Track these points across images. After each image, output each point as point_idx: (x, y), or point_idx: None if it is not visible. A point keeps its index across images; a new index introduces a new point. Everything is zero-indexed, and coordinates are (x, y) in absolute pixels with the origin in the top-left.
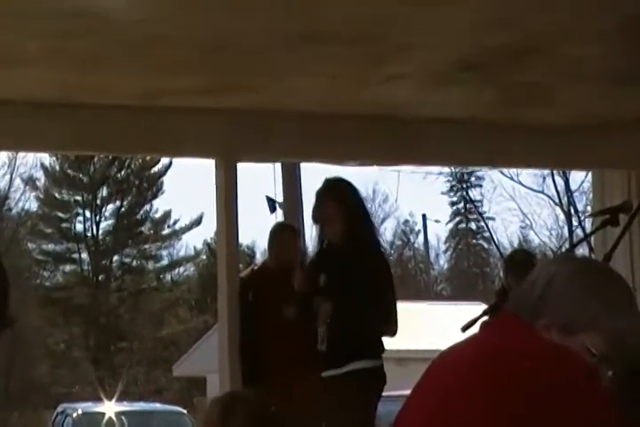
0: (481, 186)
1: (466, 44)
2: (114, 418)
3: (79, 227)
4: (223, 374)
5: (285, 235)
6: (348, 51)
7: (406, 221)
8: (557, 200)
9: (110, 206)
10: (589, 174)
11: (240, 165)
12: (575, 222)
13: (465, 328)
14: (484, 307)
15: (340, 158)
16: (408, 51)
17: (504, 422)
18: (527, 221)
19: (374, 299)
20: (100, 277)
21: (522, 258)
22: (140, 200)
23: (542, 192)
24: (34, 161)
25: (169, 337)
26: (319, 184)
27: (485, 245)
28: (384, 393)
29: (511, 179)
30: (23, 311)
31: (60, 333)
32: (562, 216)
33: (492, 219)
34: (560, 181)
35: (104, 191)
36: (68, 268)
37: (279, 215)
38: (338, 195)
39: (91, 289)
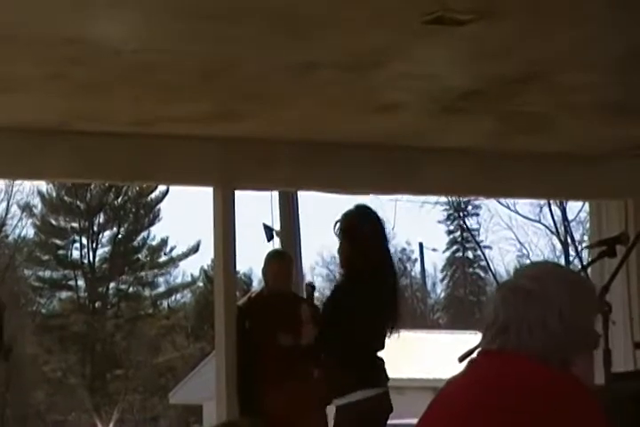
0: (478, 215)
1: (464, 74)
2: None
3: (76, 254)
4: (220, 401)
5: (279, 262)
6: (348, 79)
7: (403, 250)
8: (554, 230)
9: (107, 233)
10: (586, 204)
11: (237, 193)
12: (572, 252)
13: (462, 358)
14: (480, 336)
15: (337, 187)
16: (407, 80)
17: None
18: (524, 251)
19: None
20: (96, 304)
21: None
22: (136, 227)
23: (539, 222)
24: (30, 188)
25: (165, 364)
26: (316, 212)
27: (482, 274)
28: None
29: (508, 208)
30: (19, 338)
31: (57, 360)
32: (559, 246)
33: (489, 248)
34: (557, 211)
35: (101, 218)
36: (64, 295)
37: (276, 243)
38: (346, 235)
39: (87, 316)
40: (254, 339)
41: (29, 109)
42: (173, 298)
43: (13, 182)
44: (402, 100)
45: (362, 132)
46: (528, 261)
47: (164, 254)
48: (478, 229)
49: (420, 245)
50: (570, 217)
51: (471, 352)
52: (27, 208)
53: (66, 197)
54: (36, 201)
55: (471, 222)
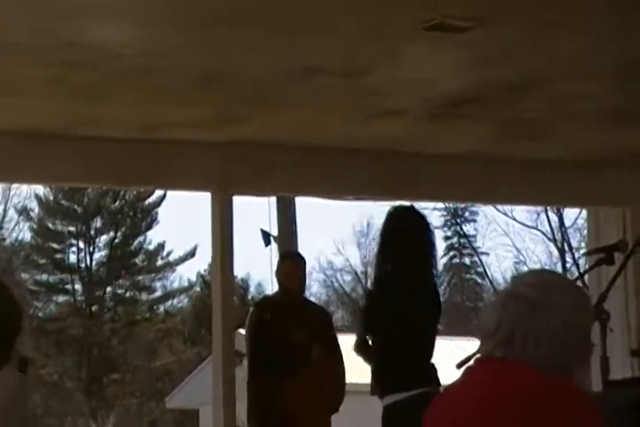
0: (475, 221)
1: (464, 80)
2: None
3: (73, 258)
4: (217, 406)
5: (290, 265)
6: (347, 85)
7: None
8: (551, 236)
9: (104, 237)
10: (583, 211)
11: (235, 198)
12: (569, 259)
13: (460, 365)
14: (477, 343)
15: (335, 193)
16: (406, 86)
17: None
18: (521, 257)
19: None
20: (93, 308)
21: None
22: (134, 231)
23: (536, 228)
24: (28, 191)
25: (162, 368)
26: (314, 218)
27: (479, 280)
28: None
29: (505, 214)
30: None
31: (53, 363)
32: (555, 252)
33: (486, 254)
34: (554, 218)
35: (98, 222)
36: (61, 298)
37: (274, 248)
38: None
39: (84, 320)
40: (270, 333)
41: (30, 113)
42: (170, 302)
43: (10, 186)
44: (401, 106)
45: (361, 138)
46: (525, 268)
47: (161, 259)
48: (475, 236)
49: None
50: (567, 224)
51: (469, 359)
52: (24, 212)
53: (63, 201)
54: (34, 205)
55: (468, 228)
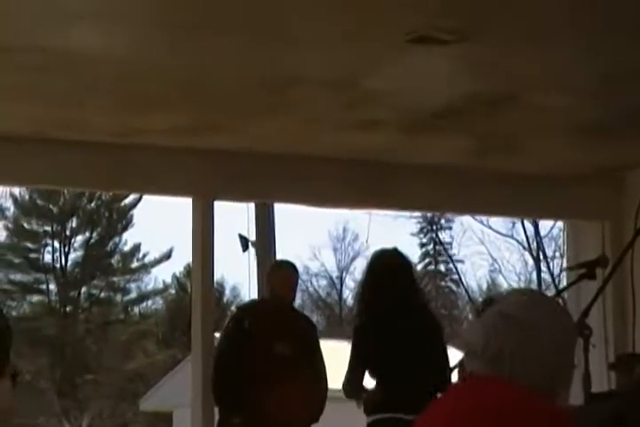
0: (451, 228)
1: (442, 92)
2: None
3: (48, 257)
4: (195, 409)
5: (286, 273)
6: (325, 95)
7: None
8: (526, 245)
9: (79, 238)
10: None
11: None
12: (544, 268)
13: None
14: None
15: (313, 201)
16: (383, 97)
17: None
18: (496, 265)
19: None
20: (67, 309)
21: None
22: (109, 232)
23: (512, 237)
24: (3, 191)
25: (136, 370)
26: (292, 224)
27: (454, 288)
28: None
29: (481, 223)
30: None
31: (27, 363)
32: (530, 261)
33: (462, 262)
34: (530, 227)
35: (73, 222)
36: (35, 298)
37: (251, 254)
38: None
39: (58, 320)
40: (252, 341)
41: (6, 118)
42: (145, 304)
43: None
44: (380, 117)
45: (339, 148)
46: (500, 277)
47: (137, 260)
48: (451, 243)
49: None
50: (542, 233)
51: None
52: None
53: (39, 201)
54: (9, 204)
55: (444, 236)
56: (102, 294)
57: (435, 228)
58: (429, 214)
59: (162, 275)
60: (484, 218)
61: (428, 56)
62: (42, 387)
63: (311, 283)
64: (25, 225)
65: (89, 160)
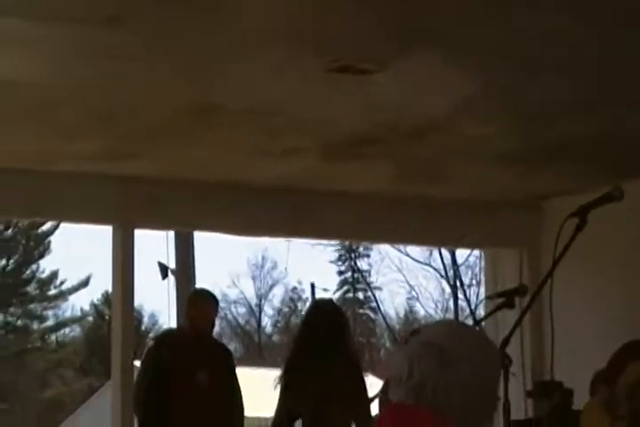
0: (369, 256)
1: (364, 121)
2: None
3: None
4: None
5: (206, 302)
6: (246, 123)
7: (294, 289)
8: (444, 273)
9: None
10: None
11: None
12: (460, 295)
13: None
14: (368, 377)
15: (233, 229)
16: (307, 125)
17: None
18: (413, 293)
19: None
20: None
21: None
22: (26, 259)
23: (429, 265)
24: None
25: (53, 399)
26: (211, 252)
27: (372, 315)
28: None
29: (399, 251)
30: None
31: None
32: (448, 289)
33: (380, 289)
34: (447, 255)
35: None
36: None
37: (171, 281)
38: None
39: None
40: (169, 371)
41: None
42: (62, 332)
43: None
44: (302, 144)
45: (260, 175)
46: (418, 304)
47: (54, 288)
48: (369, 271)
49: (312, 285)
50: (459, 261)
51: (373, 399)
52: None
53: None
54: None
55: (362, 264)
56: (19, 322)
57: (353, 255)
58: (348, 242)
59: (79, 302)
60: (401, 246)
61: (350, 86)
62: None
63: (230, 310)
64: None
65: (7, 187)
